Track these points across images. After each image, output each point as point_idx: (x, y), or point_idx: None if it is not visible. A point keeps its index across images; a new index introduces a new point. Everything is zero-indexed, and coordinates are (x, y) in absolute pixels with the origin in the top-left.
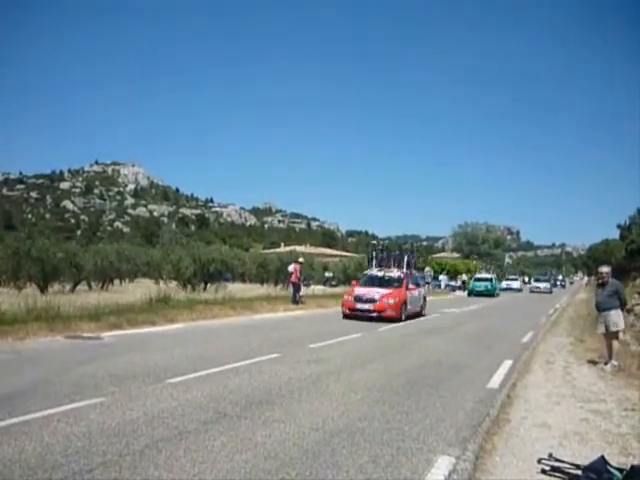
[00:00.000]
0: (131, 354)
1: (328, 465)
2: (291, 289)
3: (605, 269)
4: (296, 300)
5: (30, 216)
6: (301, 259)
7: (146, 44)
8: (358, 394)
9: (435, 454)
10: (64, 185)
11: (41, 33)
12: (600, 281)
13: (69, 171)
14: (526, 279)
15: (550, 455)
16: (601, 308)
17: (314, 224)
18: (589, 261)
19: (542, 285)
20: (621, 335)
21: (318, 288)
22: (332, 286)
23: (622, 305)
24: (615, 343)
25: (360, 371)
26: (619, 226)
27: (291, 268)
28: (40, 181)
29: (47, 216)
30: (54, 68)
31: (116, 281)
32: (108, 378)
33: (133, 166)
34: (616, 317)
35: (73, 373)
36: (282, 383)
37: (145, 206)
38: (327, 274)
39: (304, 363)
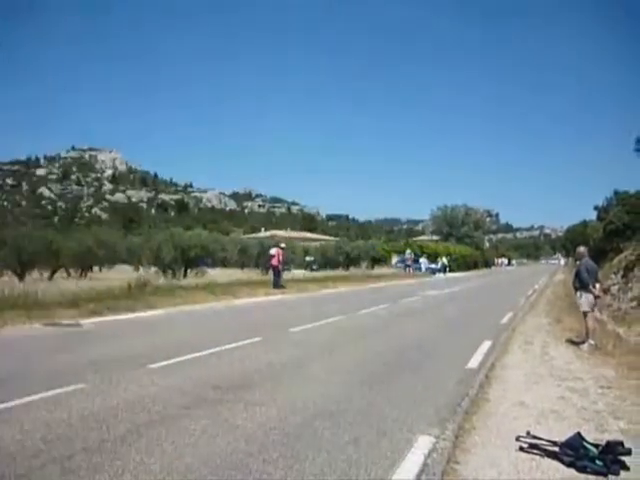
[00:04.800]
0: (111, 340)
1: (309, 446)
2: (272, 273)
3: (578, 249)
4: (277, 284)
5: (6, 203)
6: (283, 244)
7: (123, 30)
8: (339, 377)
9: (415, 434)
10: (40, 172)
11: (14, 20)
12: (577, 262)
13: (45, 157)
14: (506, 261)
15: (528, 433)
16: (574, 288)
17: (294, 208)
18: (567, 243)
19: None
20: (597, 315)
21: (299, 272)
22: (313, 270)
23: (583, 286)
24: (590, 322)
25: (340, 354)
26: (596, 207)
27: (273, 252)
28: (15, 168)
29: (23, 203)
30: (28, 54)
31: (95, 268)
32: (88, 365)
33: (110, 152)
34: (579, 298)
35: (52, 360)
36: (263, 367)
37: (123, 192)
38: (308, 258)
39: (285, 347)
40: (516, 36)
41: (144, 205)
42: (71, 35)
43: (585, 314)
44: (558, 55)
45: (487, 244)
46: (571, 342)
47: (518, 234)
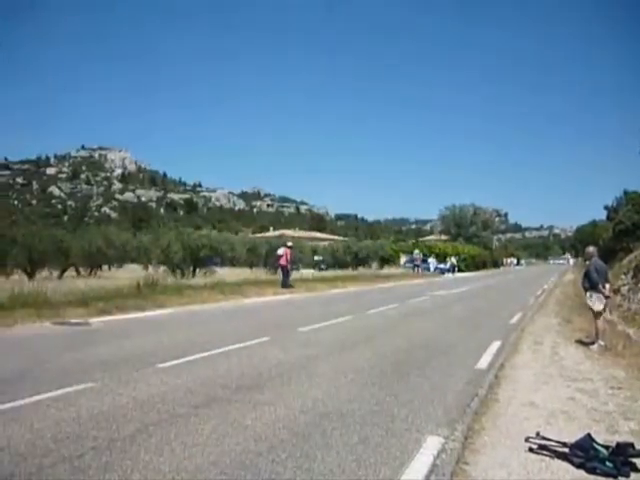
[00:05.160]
0: (120, 339)
1: (318, 446)
2: (280, 273)
3: (587, 249)
4: (285, 284)
5: (16, 202)
6: (290, 243)
7: (130, 30)
8: (347, 376)
9: (424, 434)
10: (50, 171)
11: (18, 19)
12: (586, 262)
13: (55, 156)
14: (515, 261)
15: (537, 434)
16: (583, 288)
17: (303, 208)
18: (576, 242)
19: None
20: (607, 315)
21: (308, 272)
22: (321, 270)
23: (593, 286)
24: (600, 323)
25: (349, 353)
26: (606, 207)
27: (280, 252)
28: (26, 167)
29: (33, 202)
30: (35, 54)
31: (104, 267)
32: (97, 363)
33: (120, 151)
34: (589, 298)
35: (62, 359)
36: (272, 366)
37: (133, 191)
38: (316, 257)
39: (294, 346)
40: (524, 36)
41: (153, 204)
42: (77, 35)
43: (595, 314)
44: (567, 53)
45: (496, 244)
46: (581, 343)
47: (527, 234)
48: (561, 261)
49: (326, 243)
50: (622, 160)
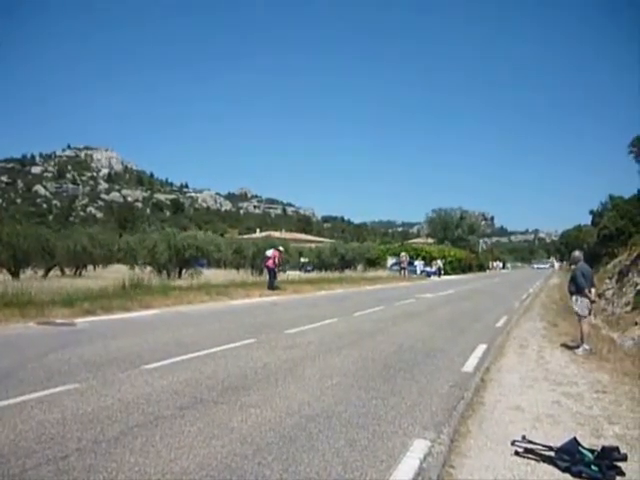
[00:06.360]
0: (105, 340)
1: (305, 449)
2: (267, 274)
3: (574, 253)
4: (272, 286)
5: (0, 201)
6: (281, 248)
7: (120, 29)
8: (334, 379)
9: (411, 438)
10: (35, 169)
11: (10, 17)
12: (571, 266)
13: (41, 155)
14: (501, 264)
15: (523, 437)
16: (569, 292)
17: (290, 209)
18: (561, 247)
19: None
20: (592, 319)
21: (294, 274)
22: (307, 271)
23: (579, 290)
24: (584, 327)
25: (336, 356)
26: (591, 212)
27: (269, 253)
28: (10, 165)
29: (18, 201)
30: (25, 52)
31: (89, 267)
32: (82, 364)
33: (106, 150)
34: (575, 302)
35: (46, 359)
36: (258, 368)
37: (119, 191)
38: (303, 259)
39: (280, 348)
40: (511, 38)
41: (139, 204)
42: (64, 34)
43: (580, 318)
44: (555, 58)
45: (482, 247)
46: (566, 346)
47: (513, 238)
48: (544, 265)
49: (312, 245)
50: (608, 164)
